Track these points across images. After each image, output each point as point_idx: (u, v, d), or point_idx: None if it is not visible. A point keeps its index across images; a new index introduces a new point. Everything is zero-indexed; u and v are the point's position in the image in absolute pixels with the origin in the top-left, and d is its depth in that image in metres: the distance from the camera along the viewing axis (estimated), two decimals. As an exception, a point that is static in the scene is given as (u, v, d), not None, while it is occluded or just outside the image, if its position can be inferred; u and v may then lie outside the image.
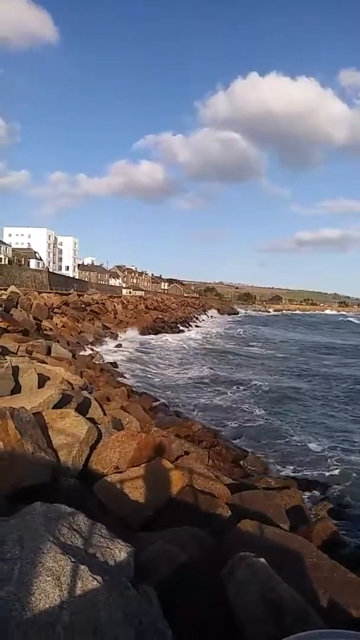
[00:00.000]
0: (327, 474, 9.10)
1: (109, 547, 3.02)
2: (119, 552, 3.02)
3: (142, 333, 41.37)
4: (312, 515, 6.83)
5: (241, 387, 18.54)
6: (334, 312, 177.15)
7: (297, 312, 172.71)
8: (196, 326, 63.37)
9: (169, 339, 39.56)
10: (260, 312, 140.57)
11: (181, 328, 53.81)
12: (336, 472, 9.25)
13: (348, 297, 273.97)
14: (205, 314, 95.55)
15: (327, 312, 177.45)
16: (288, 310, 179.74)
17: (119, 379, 16.17)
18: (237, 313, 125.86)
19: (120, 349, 28.25)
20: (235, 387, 18.50)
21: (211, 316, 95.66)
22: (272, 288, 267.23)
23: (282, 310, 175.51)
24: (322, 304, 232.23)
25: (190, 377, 20.65)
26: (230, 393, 17.39)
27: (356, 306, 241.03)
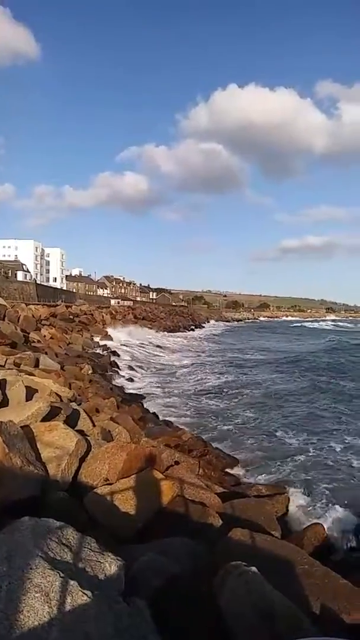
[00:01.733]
0: (316, 478, 9.11)
1: (99, 561, 2.99)
2: (109, 565, 2.99)
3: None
4: (303, 522, 6.83)
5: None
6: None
7: (285, 318, 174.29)
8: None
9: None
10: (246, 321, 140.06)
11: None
12: (326, 476, 9.27)
13: (335, 302, 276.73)
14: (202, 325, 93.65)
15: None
16: (275, 317, 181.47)
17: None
18: (228, 321, 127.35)
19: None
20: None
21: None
22: (260, 295, 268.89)
23: (274, 317, 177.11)
24: (309, 310, 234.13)
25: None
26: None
27: (343, 312, 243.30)
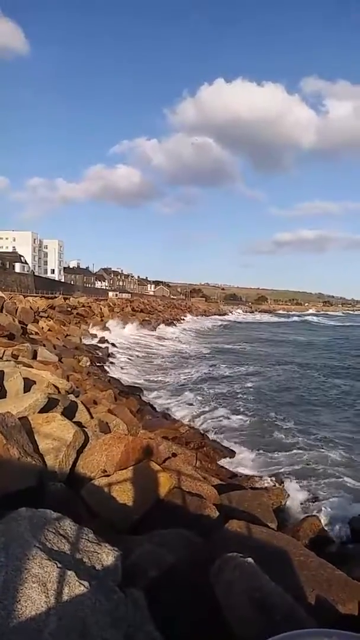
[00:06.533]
0: (312, 470, 9.17)
1: (96, 552, 3.00)
2: (107, 556, 3.00)
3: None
4: (299, 513, 6.88)
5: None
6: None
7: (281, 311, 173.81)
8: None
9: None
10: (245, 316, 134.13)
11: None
12: (321, 468, 9.33)
13: (332, 296, 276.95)
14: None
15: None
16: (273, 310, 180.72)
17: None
18: (226, 314, 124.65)
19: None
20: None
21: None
22: (258, 288, 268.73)
23: (271, 311, 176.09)
24: (306, 304, 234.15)
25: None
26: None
27: (340, 305, 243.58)
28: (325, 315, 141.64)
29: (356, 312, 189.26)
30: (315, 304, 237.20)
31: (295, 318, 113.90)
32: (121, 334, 38.37)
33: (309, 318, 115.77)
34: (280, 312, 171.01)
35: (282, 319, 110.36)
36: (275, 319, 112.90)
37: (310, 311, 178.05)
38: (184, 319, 76.04)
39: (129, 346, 32.64)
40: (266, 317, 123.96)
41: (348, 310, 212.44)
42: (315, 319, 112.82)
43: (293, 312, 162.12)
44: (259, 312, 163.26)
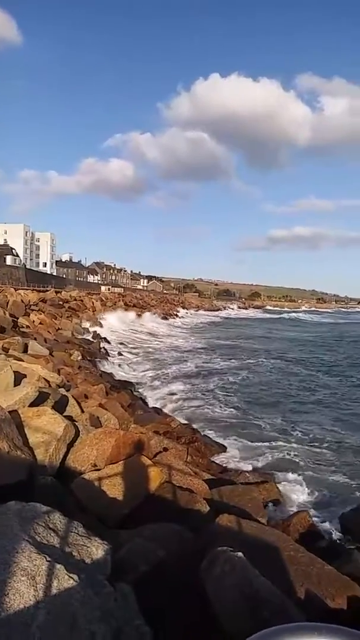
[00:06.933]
0: (303, 465, 9.21)
1: (86, 545, 2.98)
2: (96, 550, 2.98)
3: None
4: (290, 508, 6.91)
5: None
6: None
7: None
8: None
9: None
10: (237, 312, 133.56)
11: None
12: (312, 463, 9.38)
13: (325, 293, 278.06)
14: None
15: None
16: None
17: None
18: (218, 310, 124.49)
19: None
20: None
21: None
22: (251, 284, 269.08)
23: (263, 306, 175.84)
24: (300, 300, 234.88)
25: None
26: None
27: (334, 302, 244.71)
28: (317, 313, 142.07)
29: (350, 310, 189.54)
30: (308, 300, 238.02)
31: (285, 315, 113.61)
32: (114, 328, 38.33)
33: (301, 315, 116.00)
34: (269, 307, 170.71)
35: (275, 316, 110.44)
36: (268, 316, 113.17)
37: (303, 308, 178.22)
38: (177, 315, 76.00)
39: (121, 340, 32.58)
40: (259, 314, 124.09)
41: (341, 307, 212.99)
42: (306, 316, 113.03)
43: (285, 309, 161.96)
44: (253, 307, 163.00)
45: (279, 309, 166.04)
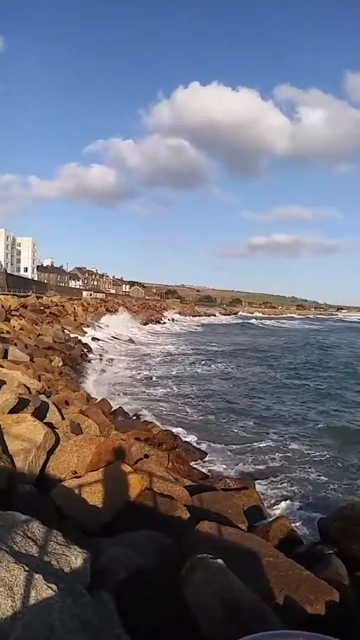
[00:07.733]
0: (283, 471, 9.28)
1: (65, 554, 2.96)
2: (75, 558, 2.96)
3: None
4: (269, 514, 6.95)
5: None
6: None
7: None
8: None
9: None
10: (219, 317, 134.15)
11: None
12: (291, 468, 9.46)
13: (305, 300, 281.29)
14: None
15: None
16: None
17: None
18: (201, 315, 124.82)
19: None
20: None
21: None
22: (233, 291, 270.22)
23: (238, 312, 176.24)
24: (280, 307, 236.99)
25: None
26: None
27: (313, 309, 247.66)
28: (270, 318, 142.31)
29: (317, 316, 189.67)
30: (288, 307, 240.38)
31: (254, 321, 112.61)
32: (95, 335, 38.07)
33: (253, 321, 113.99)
34: (241, 313, 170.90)
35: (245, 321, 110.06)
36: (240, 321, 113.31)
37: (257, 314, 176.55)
38: (159, 321, 75.90)
39: (102, 346, 32.40)
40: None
41: (319, 314, 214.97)
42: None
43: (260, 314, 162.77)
44: (233, 314, 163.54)
45: (250, 314, 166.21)
